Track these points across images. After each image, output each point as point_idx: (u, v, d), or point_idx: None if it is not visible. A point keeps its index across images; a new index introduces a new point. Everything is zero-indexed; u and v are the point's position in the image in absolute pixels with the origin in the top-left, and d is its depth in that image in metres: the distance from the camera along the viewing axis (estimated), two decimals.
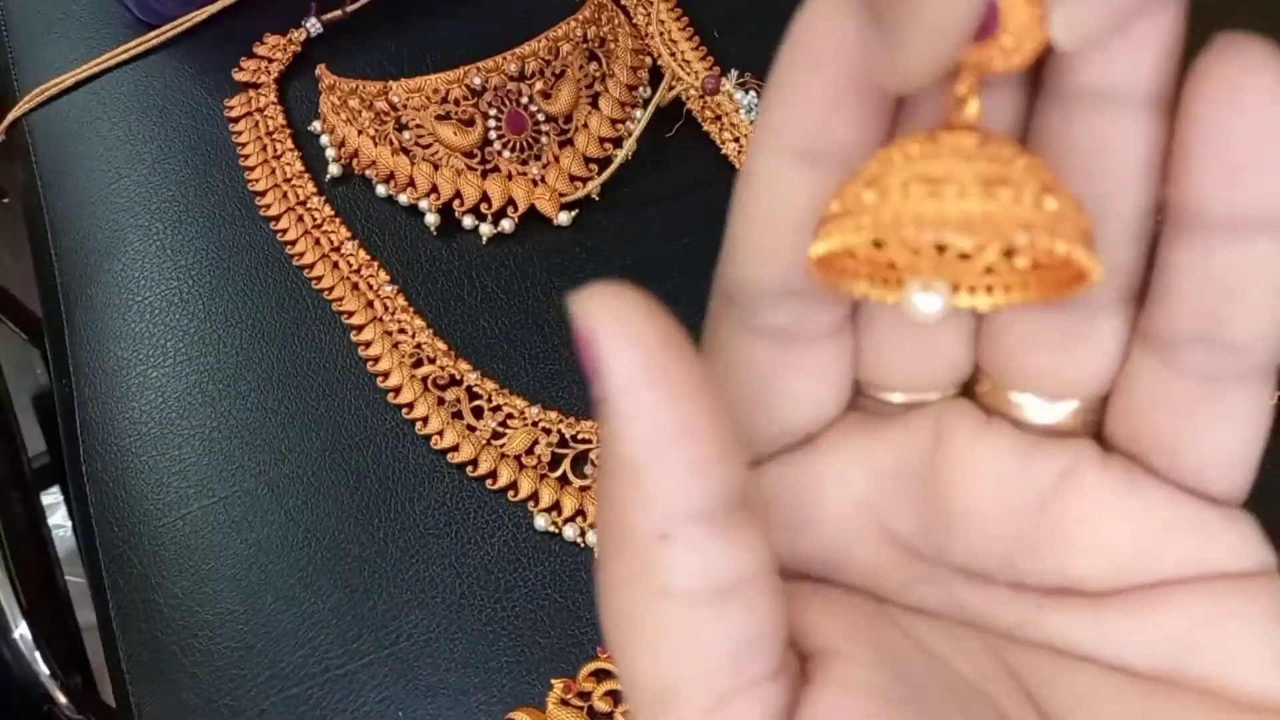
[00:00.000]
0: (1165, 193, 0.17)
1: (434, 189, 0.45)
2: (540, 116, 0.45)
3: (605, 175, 0.45)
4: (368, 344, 0.44)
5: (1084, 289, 0.17)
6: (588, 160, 0.46)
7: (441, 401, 0.42)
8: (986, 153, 0.16)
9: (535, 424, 0.41)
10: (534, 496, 0.40)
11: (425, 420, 0.42)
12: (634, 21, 0.50)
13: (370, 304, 0.44)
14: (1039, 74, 0.18)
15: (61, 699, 0.53)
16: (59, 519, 0.71)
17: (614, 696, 0.37)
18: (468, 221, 0.45)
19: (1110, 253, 0.17)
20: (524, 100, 0.45)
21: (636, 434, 0.15)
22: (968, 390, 0.20)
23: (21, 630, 0.53)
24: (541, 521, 0.40)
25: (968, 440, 0.19)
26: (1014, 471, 0.18)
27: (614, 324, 0.15)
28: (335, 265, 0.45)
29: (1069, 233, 0.16)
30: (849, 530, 0.19)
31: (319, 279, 0.45)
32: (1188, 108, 0.16)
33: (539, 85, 0.45)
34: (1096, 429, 0.19)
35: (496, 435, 0.41)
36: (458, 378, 0.43)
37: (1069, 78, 0.17)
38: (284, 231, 0.46)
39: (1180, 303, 0.17)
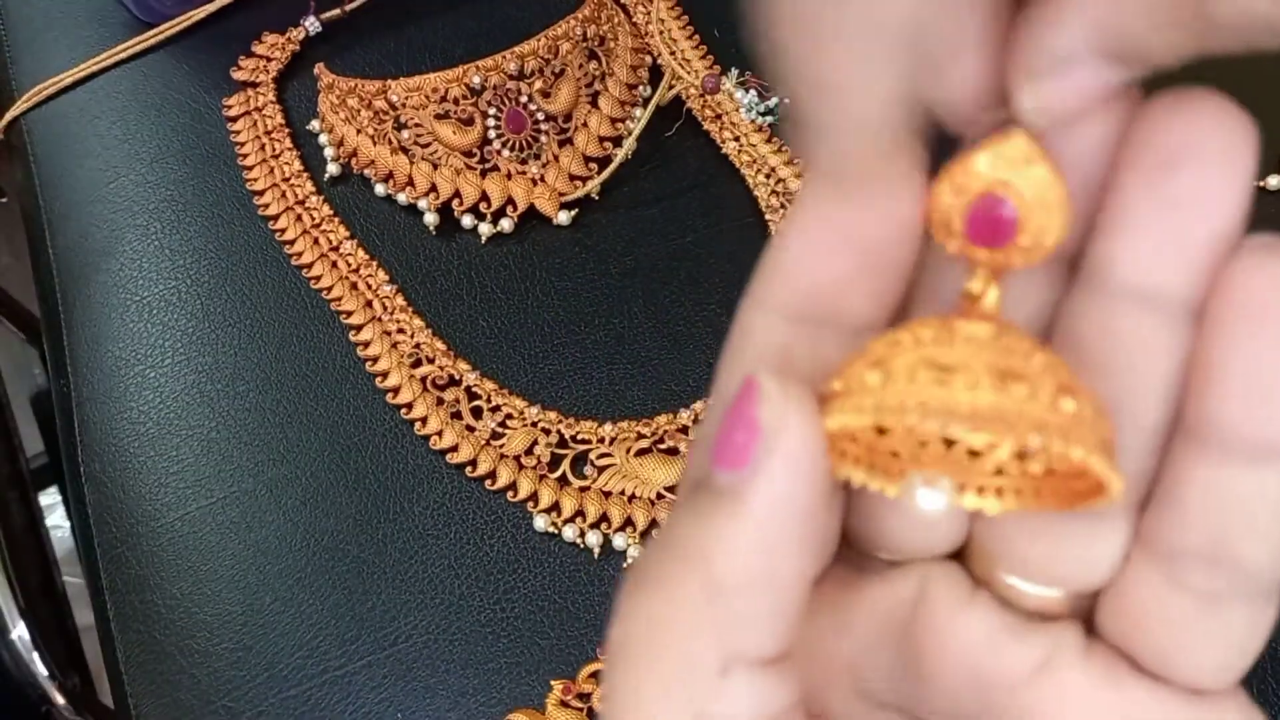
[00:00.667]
0: (1183, 403, 0.16)
1: (433, 188, 0.45)
2: (540, 115, 0.45)
3: (605, 174, 0.45)
4: (366, 344, 0.43)
5: (1100, 502, 0.16)
6: (587, 159, 0.45)
7: (440, 402, 0.42)
8: (1002, 344, 0.16)
9: (534, 424, 0.41)
10: (533, 497, 0.40)
11: (424, 420, 0.42)
12: (634, 20, 0.50)
13: (369, 304, 0.44)
14: (1075, 261, 0.17)
15: (59, 700, 0.53)
16: (57, 519, 0.71)
17: None
18: (467, 221, 0.45)
19: (1128, 461, 0.16)
20: (523, 99, 0.44)
21: (769, 497, 0.16)
22: (958, 550, 0.19)
23: (20, 631, 0.53)
24: (541, 522, 0.40)
25: (949, 612, 0.18)
26: (990, 652, 0.18)
27: (792, 413, 0.16)
28: (334, 265, 0.45)
29: (1087, 439, 0.15)
30: (824, 681, 0.19)
31: (317, 278, 0.45)
32: (1215, 317, 0.15)
33: (538, 84, 0.45)
34: (1087, 612, 0.18)
35: (495, 435, 0.41)
36: (457, 378, 0.42)
37: (1110, 270, 0.16)
38: (282, 231, 0.46)
39: (1189, 518, 0.16)
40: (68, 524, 0.60)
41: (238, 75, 0.50)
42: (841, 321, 0.18)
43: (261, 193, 0.47)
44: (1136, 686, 0.17)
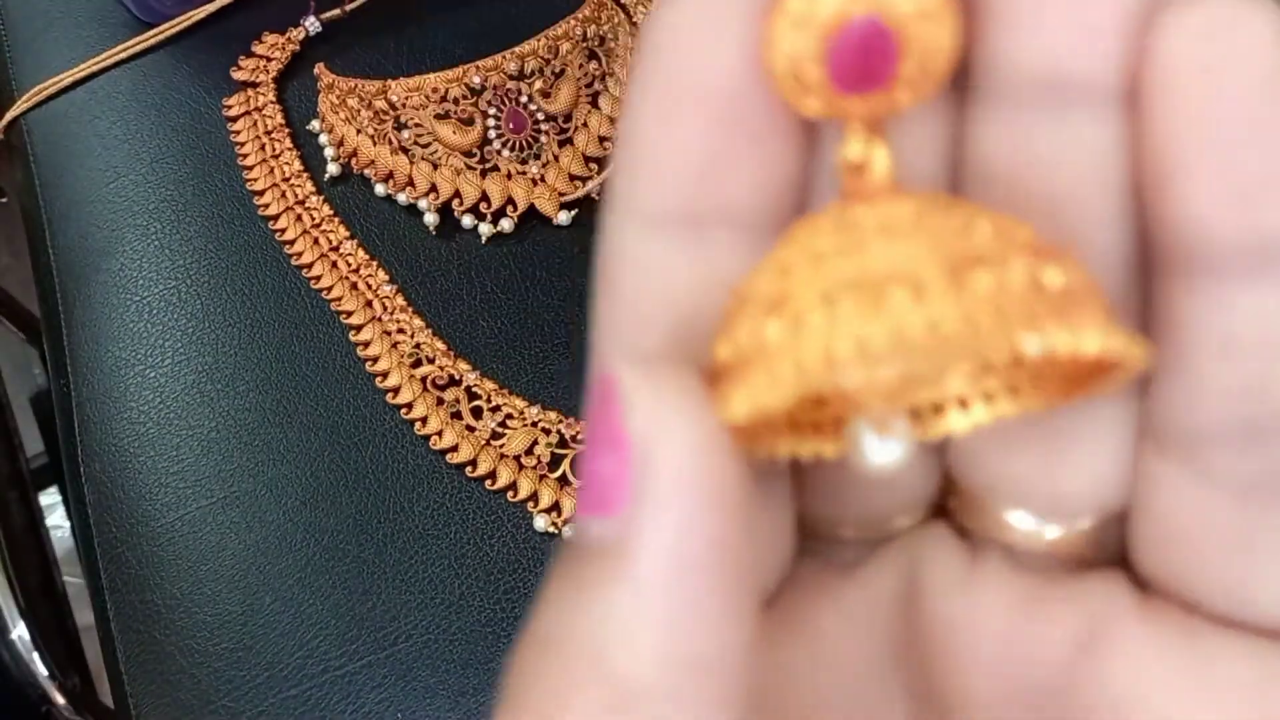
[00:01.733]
0: (1147, 223, 0.12)
1: (433, 188, 0.45)
2: (540, 115, 0.45)
3: (605, 174, 0.45)
4: (366, 344, 0.43)
5: (1112, 383, 0.12)
6: (588, 159, 0.45)
7: (440, 401, 0.42)
8: (930, 222, 0.12)
9: (535, 424, 0.41)
10: (533, 497, 0.40)
11: (424, 420, 0.42)
12: (634, 20, 0.50)
13: (369, 303, 0.44)
14: (959, 86, 0.13)
15: (60, 700, 0.53)
16: (57, 519, 0.71)
17: None
18: (467, 221, 0.45)
19: None
20: (523, 99, 0.44)
21: (661, 546, 0.11)
22: (940, 505, 0.15)
23: (20, 631, 0.53)
24: (541, 522, 0.40)
25: (952, 593, 0.14)
26: (1021, 635, 0.14)
27: (670, 412, 0.12)
28: (334, 265, 0.45)
29: (1090, 314, 0.11)
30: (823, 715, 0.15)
31: (317, 278, 0.45)
32: (1154, 94, 0.12)
33: (538, 84, 0.45)
34: (1120, 547, 0.14)
35: (496, 435, 0.41)
36: (457, 378, 0.42)
37: (1012, 74, 0.12)
38: (282, 231, 0.46)
39: (1202, 379, 0.12)
40: (68, 524, 0.60)
41: (238, 75, 0.50)
42: (731, 218, 0.13)
43: (261, 193, 0.47)
44: (1221, 642, 0.13)
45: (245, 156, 0.48)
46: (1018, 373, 0.13)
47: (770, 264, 0.12)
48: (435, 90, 0.44)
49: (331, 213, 0.46)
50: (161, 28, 0.52)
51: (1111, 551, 0.14)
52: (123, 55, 0.52)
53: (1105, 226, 0.12)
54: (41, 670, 0.53)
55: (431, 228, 0.45)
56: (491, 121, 0.44)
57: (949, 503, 0.15)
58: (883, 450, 0.12)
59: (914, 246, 0.11)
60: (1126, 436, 0.13)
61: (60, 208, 0.49)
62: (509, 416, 0.42)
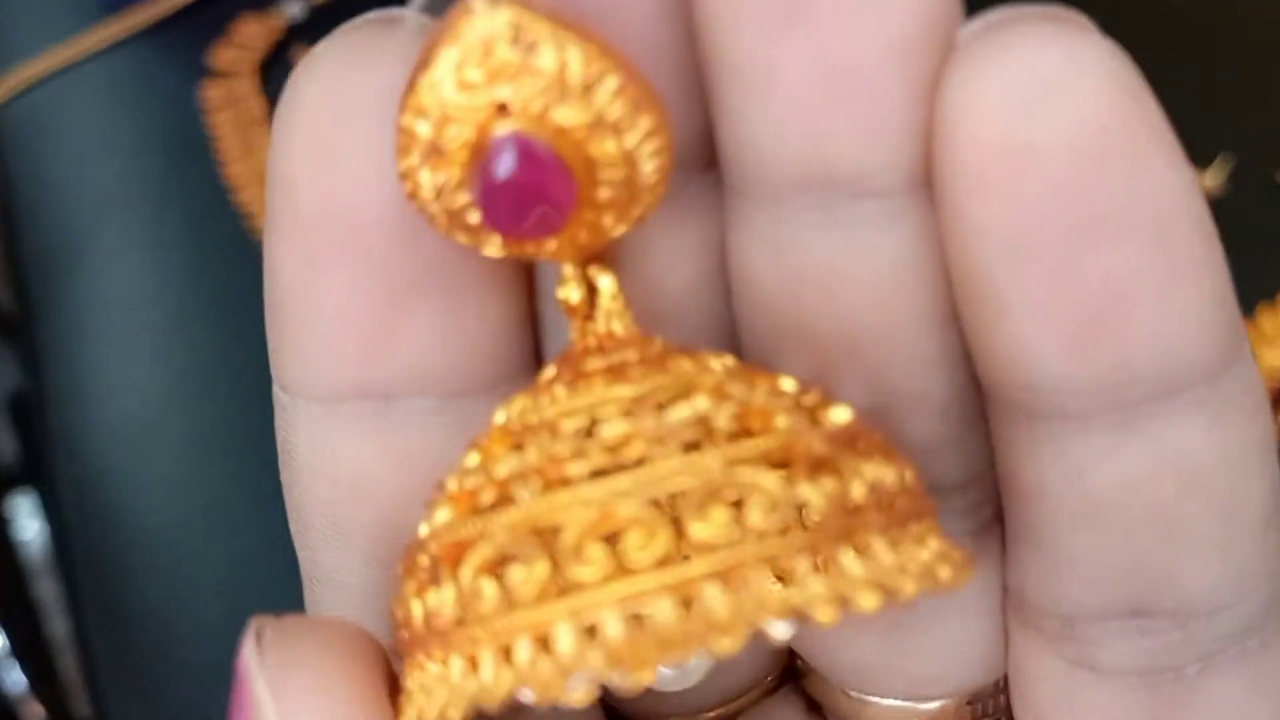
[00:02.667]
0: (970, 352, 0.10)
1: None
2: None
3: None
4: None
5: (944, 589, 0.09)
6: None
7: None
8: (662, 425, 0.09)
9: None
10: None
11: None
12: None
13: None
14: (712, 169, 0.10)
15: (35, 711, 0.52)
16: (31, 523, 0.70)
17: None
18: None
19: (943, 463, 0.10)
20: None
21: None
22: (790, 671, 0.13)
23: None
24: None
25: None
26: None
27: (299, 672, 0.09)
28: None
29: (884, 562, 0.09)
30: None
31: None
32: (956, 190, 0.09)
33: None
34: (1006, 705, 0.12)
35: None
36: None
37: (755, 166, 0.09)
38: (263, 229, 0.45)
39: (1065, 558, 0.10)
40: (41, 530, 0.59)
41: (216, 65, 0.49)
42: (424, 385, 0.11)
43: (242, 188, 0.46)
44: None
45: (225, 150, 0.47)
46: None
47: (463, 490, 0.10)
48: None
49: None
50: (138, 16, 0.51)
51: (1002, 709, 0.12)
52: (97, 44, 0.50)
53: (914, 362, 0.09)
54: (16, 680, 0.52)
55: None
56: None
57: (800, 672, 0.13)
58: (673, 678, 0.10)
59: (627, 481, 0.09)
60: (993, 607, 0.11)
61: (32, 202, 0.48)
62: None
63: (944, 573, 0.09)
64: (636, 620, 0.08)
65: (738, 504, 0.09)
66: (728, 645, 0.08)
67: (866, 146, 0.09)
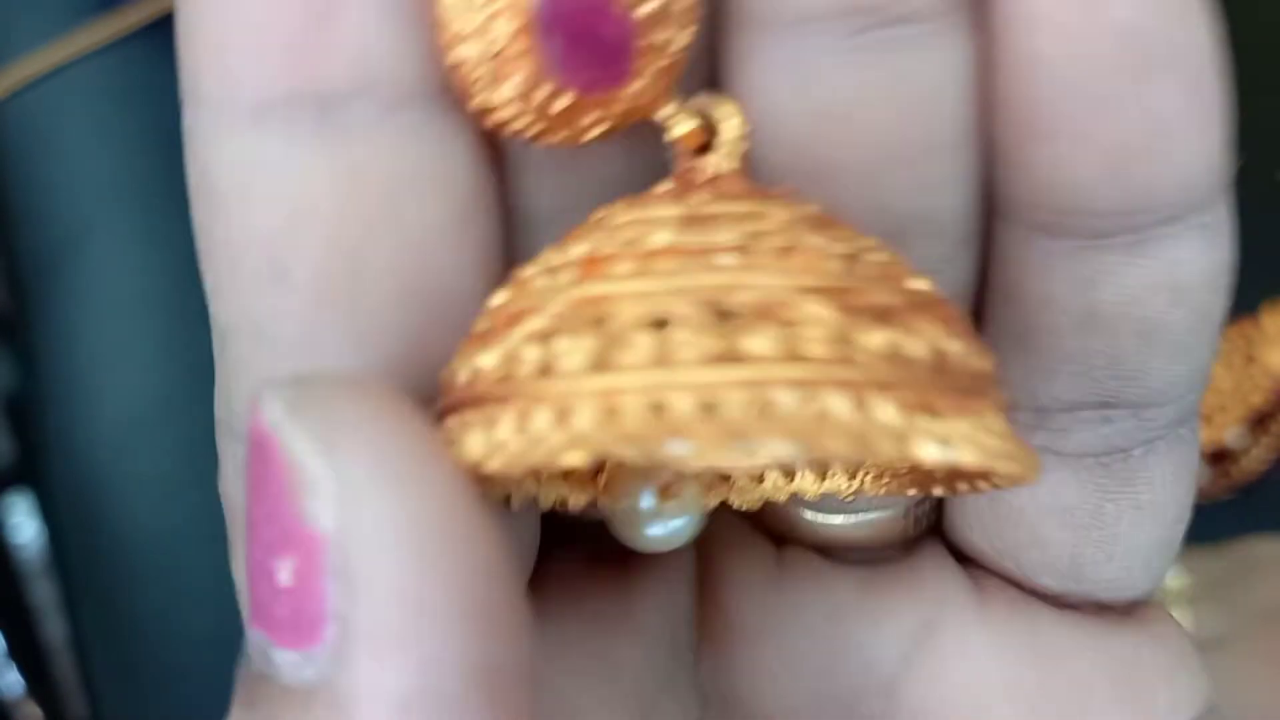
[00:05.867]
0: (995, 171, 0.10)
1: None
2: None
3: None
4: None
5: (976, 489, 0.10)
6: None
7: None
8: (807, 244, 0.09)
9: None
10: None
11: None
12: None
13: None
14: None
15: (31, 713, 0.52)
16: (27, 525, 0.70)
17: None
18: None
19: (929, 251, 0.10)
20: None
21: (386, 692, 0.08)
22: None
23: None
24: None
25: (756, 597, 0.12)
26: (841, 639, 0.12)
27: (370, 487, 0.08)
28: None
29: (989, 412, 0.09)
30: None
31: None
32: (1014, 22, 0.09)
33: None
34: (937, 519, 0.13)
35: None
36: None
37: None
38: None
39: (1058, 358, 0.11)
40: (37, 531, 0.59)
41: None
42: (372, 85, 0.10)
43: None
44: (1057, 628, 0.12)
45: None
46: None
47: (563, 257, 0.09)
48: None
49: None
50: (132, 10, 0.50)
51: (924, 523, 0.13)
52: (94, 42, 0.50)
53: (924, 187, 0.10)
54: (14, 682, 0.52)
55: None
56: None
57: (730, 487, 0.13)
58: (659, 536, 0.10)
59: (785, 277, 0.08)
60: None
61: (27, 201, 0.48)
62: None
63: (1000, 448, 0.08)
64: (657, 407, 0.08)
65: (790, 327, 0.08)
66: (787, 451, 0.08)
67: None
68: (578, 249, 0.09)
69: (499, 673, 0.08)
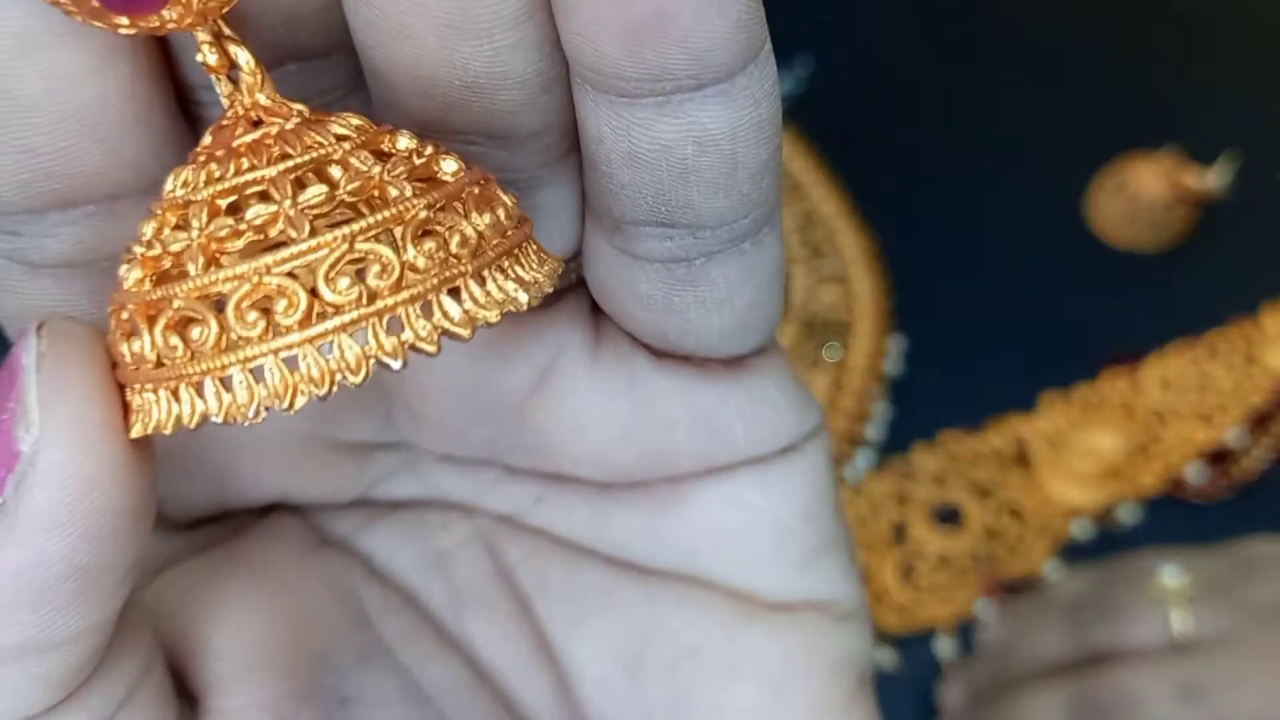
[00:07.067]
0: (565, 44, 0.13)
1: None
2: None
3: None
4: None
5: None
6: None
7: None
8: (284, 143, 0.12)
9: None
10: None
11: None
12: None
13: None
14: None
15: None
16: None
17: None
18: None
19: (532, 115, 0.13)
20: None
21: (16, 565, 0.12)
22: None
23: None
24: None
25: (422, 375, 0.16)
26: (477, 378, 0.16)
27: (63, 433, 0.12)
28: None
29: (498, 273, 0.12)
30: (289, 454, 0.17)
31: None
32: None
33: None
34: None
35: None
36: None
37: None
38: None
39: (618, 185, 0.14)
40: None
41: None
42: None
43: None
44: (659, 378, 0.16)
45: None
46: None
47: (158, 233, 0.12)
48: None
49: None
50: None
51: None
52: None
53: (515, 54, 0.13)
54: None
55: None
56: None
57: None
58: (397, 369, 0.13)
59: (271, 258, 0.12)
60: (576, 207, 0.15)
61: None
62: None
63: (521, 295, 0.13)
64: (289, 364, 0.12)
65: (360, 271, 0.12)
66: (358, 381, 0.12)
67: None
68: (177, 240, 0.12)
69: (95, 572, 0.13)
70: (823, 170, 0.46)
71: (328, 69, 0.14)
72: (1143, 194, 0.43)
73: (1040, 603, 0.37)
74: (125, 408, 0.13)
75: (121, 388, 0.13)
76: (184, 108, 0.14)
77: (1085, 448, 0.40)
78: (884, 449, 0.41)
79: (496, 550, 0.18)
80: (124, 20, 0.12)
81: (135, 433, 0.13)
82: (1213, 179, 0.42)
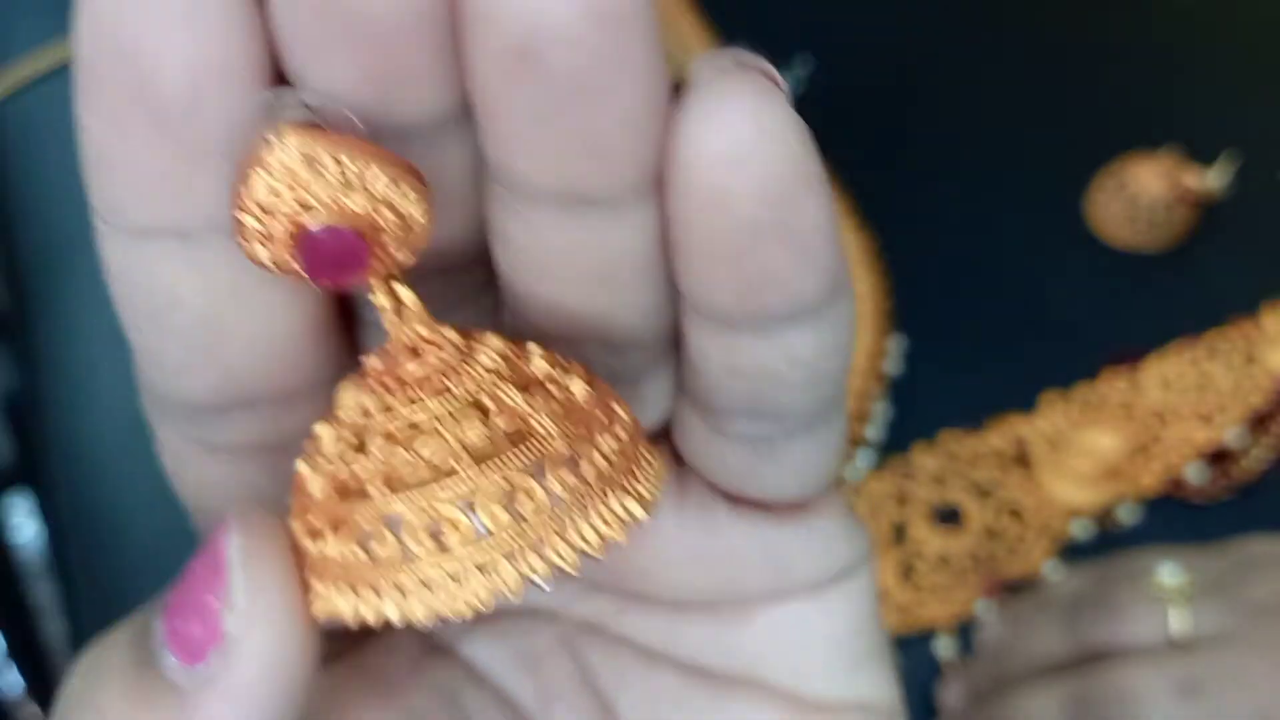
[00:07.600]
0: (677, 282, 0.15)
1: None
2: None
3: None
4: None
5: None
6: None
7: None
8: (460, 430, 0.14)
9: None
10: None
11: None
12: None
13: None
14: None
15: (31, 712, 0.51)
16: (27, 525, 0.69)
17: None
18: None
19: (633, 326, 0.16)
20: None
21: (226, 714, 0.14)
22: None
23: None
24: None
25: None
26: None
27: (264, 612, 0.14)
28: None
29: (624, 493, 0.15)
30: None
31: None
32: (678, 191, 0.14)
33: None
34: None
35: None
36: None
37: (517, 181, 0.14)
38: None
39: (718, 388, 0.16)
40: (38, 532, 0.59)
41: None
42: (214, 226, 0.14)
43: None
44: (733, 522, 0.18)
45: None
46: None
47: (338, 441, 0.14)
48: None
49: None
50: None
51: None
52: None
53: (638, 292, 0.15)
54: (15, 682, 0.52)
55: None
56: None
57: None
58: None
59: (442, 490, 0.14)
60: (663, 395, 0.17)
61: (27, 202, 0.47)
62: None
63: (640, 512, 0.15)
64: (456, 580, 0.14)
65: (511, 499, 0.14)
66: (516, 599, 0.14)
67: (603, 180, 0.14)
68: (363, 465, 0.14)
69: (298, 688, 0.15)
70: (822, 170, 0.46)
71: (466, 279, 0.16)
72: (1143, 194, 0.43)
73: (1039, 602, 0.37)
74: (305, 586, 0.15)
75: (302, 569, 0.15)
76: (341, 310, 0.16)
77: (1085, 448, 0.40)
78: (884, 449, 0.41)
79: (579, 653, 0.20)
80: (326, 282, 0.14)
81: (316, 613, 0.14)
82: (1213, 179, 0.42)
